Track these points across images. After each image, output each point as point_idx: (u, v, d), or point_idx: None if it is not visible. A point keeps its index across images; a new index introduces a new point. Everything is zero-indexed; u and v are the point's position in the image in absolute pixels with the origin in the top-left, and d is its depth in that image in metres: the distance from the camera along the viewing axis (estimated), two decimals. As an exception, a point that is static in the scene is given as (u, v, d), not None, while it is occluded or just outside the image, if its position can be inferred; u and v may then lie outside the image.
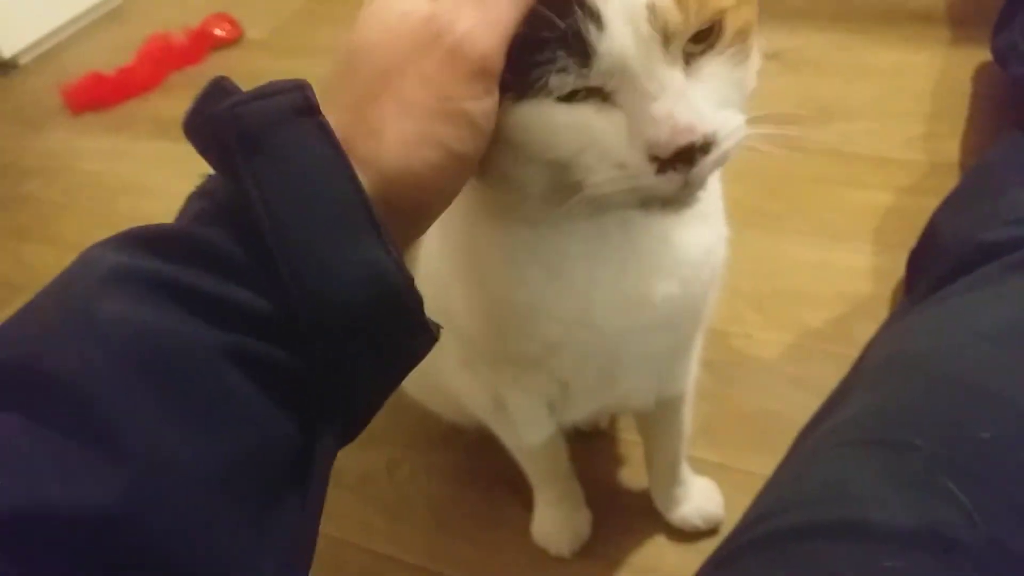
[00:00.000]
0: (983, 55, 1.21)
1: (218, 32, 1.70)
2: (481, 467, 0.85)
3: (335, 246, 0.33)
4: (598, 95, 0.37)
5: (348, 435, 0.38)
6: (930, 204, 0.94)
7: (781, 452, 0.65)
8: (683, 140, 0.35)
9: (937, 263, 0.80)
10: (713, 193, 0.54)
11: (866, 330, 0.80)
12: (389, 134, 0.34)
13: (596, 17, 0.34)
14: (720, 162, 0.38)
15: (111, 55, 1.69)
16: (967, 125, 1.16)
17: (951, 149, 1.13)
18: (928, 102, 1.21)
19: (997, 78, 1.16)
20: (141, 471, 0.29)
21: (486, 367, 0.61)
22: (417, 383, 0.76)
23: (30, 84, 1.73)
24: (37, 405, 0.29)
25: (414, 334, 0.36)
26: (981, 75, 1.22)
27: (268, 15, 1.76)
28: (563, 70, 0.35)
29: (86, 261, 0.33)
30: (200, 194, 0.36)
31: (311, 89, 0.34)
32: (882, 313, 0.91)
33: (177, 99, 1.59)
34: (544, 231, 0.47)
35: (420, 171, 0.35)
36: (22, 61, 1.79)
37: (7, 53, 1.74)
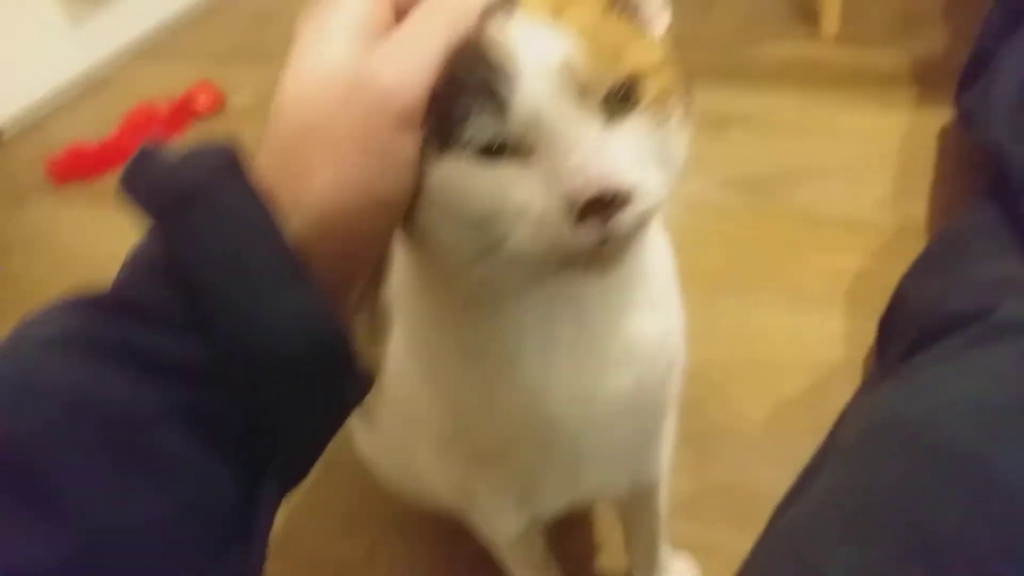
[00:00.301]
0: (947, 116, 1.24)
1: (201, 101, 1.72)
2: (462, 555, 0.85)
3: (266, 298, 0.34)
4: (518, 154, 0.38)
5: (291, 482, 0.39)
6: (899, 267, 0.96)
7: (759, 526, 0.66)
8: (595, 189, 0.36)
9: (906, 331, 0.81)
10: (665, 282, 0.54)
11: (840, 398, 0.81)
12: (317, 179, 0.36)
13: (511, 69, 0.36)
14: (642, 220, 0.38)
15: (95, 126, 1.71)
16: (933, 186, 1.18)
17: (919, 211, 1.15)
18: (895, 163, 1.24)
19: (961, 139, 1.19)
20: (82, 534, 0.30)
21: (455, 462, 0.62)
22: (396, 472, 0.77)
23: (13, 156, 1.74)
24: None
25: (347, 379, 0.38)
26: (946, 136, 1.26)
27: (250, 84, 1.79)
28: (480, 119, 0.37)
29: (25, 329, 0.35)
30: (136, 254, 0.37)
31: (239, 149, 0.36)
32: (855, 380, 0.92)
33: (160, 169, 1.60)
34: (496, 324, 0.48)
35: (348, 214, 0.36)
36: (6, 134, 1.81)
37: (-9, 125, 1.76)
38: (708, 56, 1.52)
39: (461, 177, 0.38)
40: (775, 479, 0.74)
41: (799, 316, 1.03)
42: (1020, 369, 0.63)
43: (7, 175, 1.68)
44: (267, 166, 0.36)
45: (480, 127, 0.37)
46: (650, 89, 0.40)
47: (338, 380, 0.37)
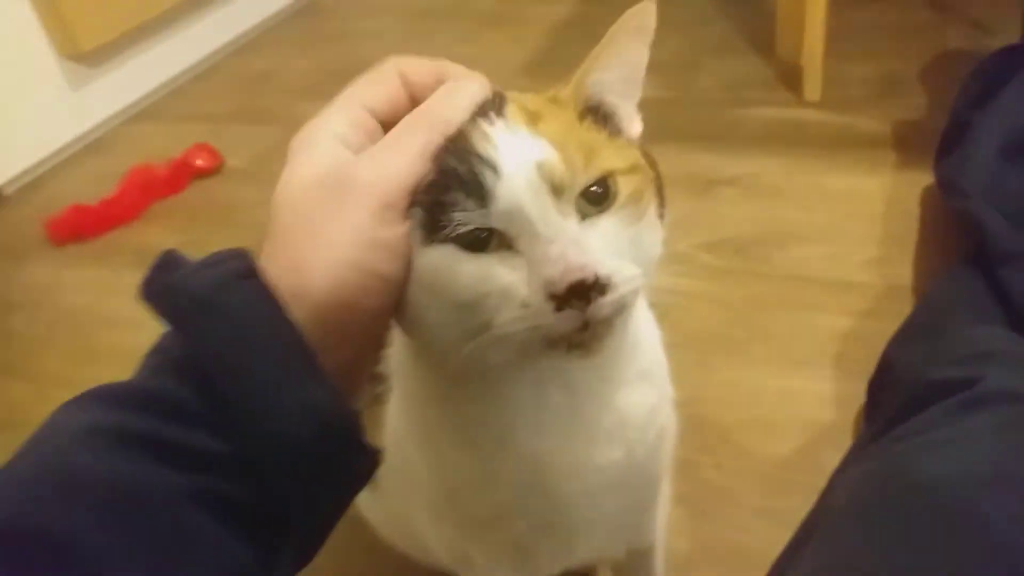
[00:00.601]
0: (928, 178, 1.28)
1: (199, 162, 1.74)
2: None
3: (279, 389, 0.37)
4: (502, 245, 0.41)
5: (305, 557, 0.42)
6: (887, 327, 0.99)
7: (754, 589, 0.67)
8: (574, 277, 0.39)
9: (892, 397, 0.83)
10: (653, 355, 0.57)
11: (831, 459, 0.83)
12: (312, 266, 0.39)
13: (494, 167, 0.40)
14: (619, 307, 0.41)
15: (94, 186, 1.73)
16: (917, 247, 1.22)
17: (904, 272, 1.18)
18: (880, 225, 1.27)
19: (942, 202, 1.23)
20: None
21: (450, 528, 0.64)
22: (396, 532, 0.78)
23: (14, 216, 1.76)
24: (22, 560, 0.32)
25: (355, 459, 0.41)
26: (927, 198, 1.29)
27: (247, 144, 1.82)
28: (464, 209, 0.40)
29: (56, 423, 0.38)
30: (156, 351, 0.40)
31: (250, 255, 0.39)
32: (845, 441, 0.94)
33: (159, 228, 1.63)
34: (488, 401, 0.50)
35: (344, 292, 0.40)
36: (6, 192, 1.83)
37: (-9, 184, 1.78)
38: (694, 120, 1.57)
39: (449, 263, 0.41)
40: (769, 538, 0.75)
41: (789, 377, 1.05)
42: (1005, 438, 0.65)
43: (8, 234, 1.70)
44: (270, 265, 0.40)
45: (466, 217, 0.41)
46: (624, 188, 0.44)
47: (348, 461, 0.41)
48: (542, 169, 0.41)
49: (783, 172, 1.41)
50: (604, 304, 0.40)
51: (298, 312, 0.38)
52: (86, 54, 1.87)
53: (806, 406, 1.01)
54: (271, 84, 2.12)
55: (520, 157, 0.41)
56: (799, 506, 0.76)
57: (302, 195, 0.41)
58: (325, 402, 0.38)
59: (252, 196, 1.64)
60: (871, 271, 1.19)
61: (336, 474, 0.40)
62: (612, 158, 0.44)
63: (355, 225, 0.40)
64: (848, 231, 1.27)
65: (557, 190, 0.41)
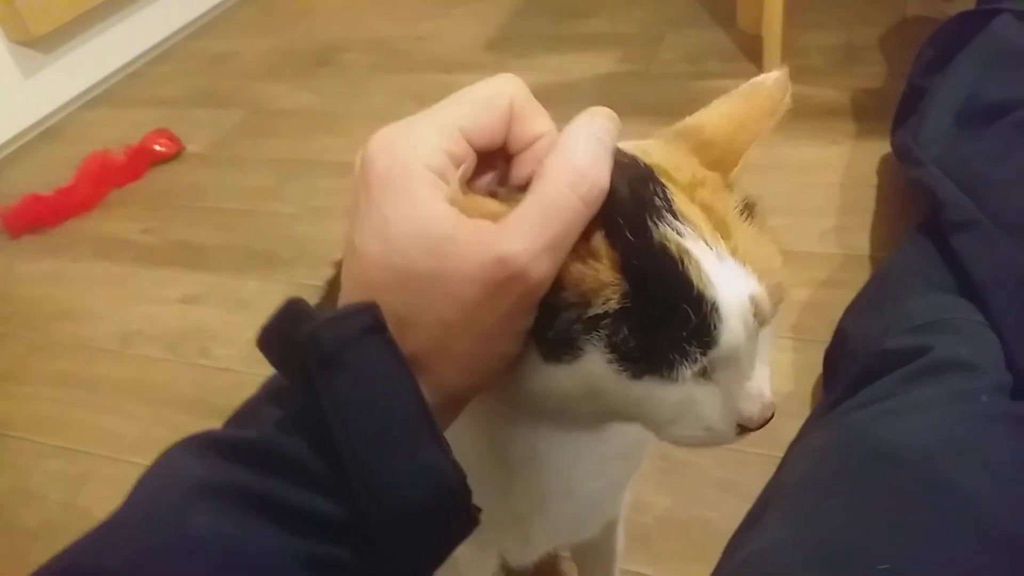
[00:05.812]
0: (886, 147, 1.28)
1: (158, 147, 1.72)
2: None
3: (399, 452, 0.36)
4: (698, 371, 0.39)
5: None
6: (845, 296, 1.00)
7: (713, 559, 0.67)
8: (769, 414, 0.39)
9: (848, 367, 0.84)
10: None
11: (790, 429, 0.83)
12: (460, 355, 0.38)
13: (716, 310, 0.37)
14: None
15: (50, 174, 1.70)
16: (875, 217, 1.23)
17: (862, 241, 1.19)
18: (838, 195, 1.28)
19: (899, 170, 1.24)
20: None
21: None
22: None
23: (-32, 208, 1.73)
24: None
25: (462, 523, 0.40)
26: (885, 167, 1.30)
27: (207, 130, 1.80)
28: (694, 361, 0.37)
29: (170, 470, 0.37)
30: (271, 399, 0.39)
31: (379, 309, 0.36)
32: (804, 411, 0.95)
33: (118, 217, 1.60)
34: (534, 433, 0.49)
35: (480, 375, 0.39)
36: (-40, 184, 1.80)
37: (-56, 176, 1.74)
38: (655, 94, 1.56)
39: (650, 395, 0.39)
40: (728, 512, 0.76)
41: (749, 349, 1.06)
42: (956, 406, 0.66)
43: (-38, 227, 1.67)
44: (410, 340, 0.37)
45: (692, 364, 0.38)
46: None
47: (455, 524, 0.40)
48: (754, 305, 0.38)
49: (743, 144, 1.41)
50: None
51: (427, 391, 0.37)
52: (37, 40, 1.83)
53: (765, 377, 1.02)
54: (230, 66, 2.09)
55: (735, 294, 0.37)
56: (759, 478, 0.76)
57: (450, 271, 0.36)
58: (443, 468, 0.37)
59: (212, 181, 1.62)
60: (829, 241, 1.20)
61: (440, 535, 0.40)
62: (784, 273, 0.41)
63: (512, 320, 0.37)
64: (807, 202, 1.27)
65: (760, 322, 0.38)
